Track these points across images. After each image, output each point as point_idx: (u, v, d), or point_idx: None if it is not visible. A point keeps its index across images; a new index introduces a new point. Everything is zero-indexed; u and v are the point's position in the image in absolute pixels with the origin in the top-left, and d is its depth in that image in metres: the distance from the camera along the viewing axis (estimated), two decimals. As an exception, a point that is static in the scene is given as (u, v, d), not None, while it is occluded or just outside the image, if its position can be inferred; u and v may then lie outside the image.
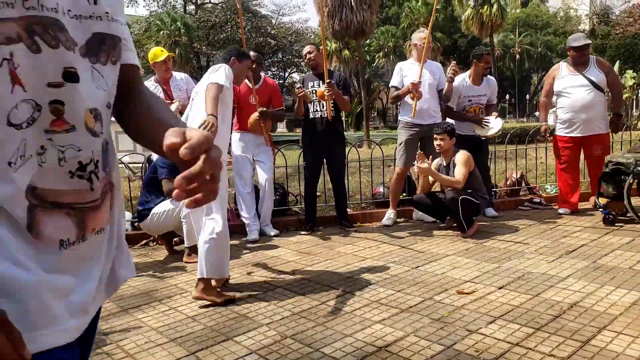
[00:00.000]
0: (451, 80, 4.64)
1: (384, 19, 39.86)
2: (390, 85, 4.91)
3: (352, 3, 18.52)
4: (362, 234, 4.56)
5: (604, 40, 28.62)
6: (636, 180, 4.56)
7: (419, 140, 4.81)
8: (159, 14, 30.86)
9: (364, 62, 21.05)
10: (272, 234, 4.58)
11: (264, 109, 4.40)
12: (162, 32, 26.16)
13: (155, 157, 4.23)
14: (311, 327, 2.53)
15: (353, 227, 4.77)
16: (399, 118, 4.97)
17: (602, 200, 4.57)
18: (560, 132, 4.89)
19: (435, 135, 4.44)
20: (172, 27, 26.26)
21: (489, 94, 4.99)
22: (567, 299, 2.76)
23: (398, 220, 5.02)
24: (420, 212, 4.94)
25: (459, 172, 4.31)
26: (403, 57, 29.67)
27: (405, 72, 4.77)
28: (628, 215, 4.45)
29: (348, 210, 5.03)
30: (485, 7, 26.19)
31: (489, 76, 5.04)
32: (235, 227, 4.71)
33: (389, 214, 4.90)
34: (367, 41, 25.98)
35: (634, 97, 23.32)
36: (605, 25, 31.26)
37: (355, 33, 18.48)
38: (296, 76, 33.19)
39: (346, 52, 27.62)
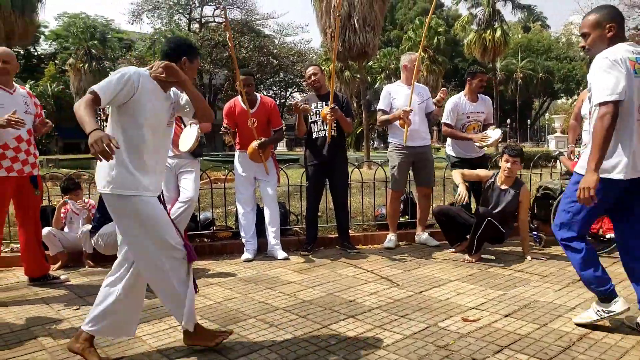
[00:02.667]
0: (439, 105, 4.65)
1: (385, 41, 40.38)
2: (377, 108, 4.87)
3: (356, 25, 18.73)
4: (365, 256, 4.50)
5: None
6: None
7: (410, 164, 4.79)
8: (163, 31, 31.22)
9: (365, 84, 21.18)
10: (281, 257, 4.42)
11: (262, 139, 4.34)
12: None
13: None
14: (313, 351, 2.46)
15: (355, 249, 4.71)
16: (389, 140, 4.92)
17: (535, 223, 4.87)
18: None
19: (507, 158, 4.24)
20: (176, 46, 26.49)
21: (486, 111, 4.97)
22: (576, 329, 2.70)
23: (400, 243, 4.96)
24: (424, 236, 4.89)
25: (525, 216, 4.29)
26: (405, 79, 29.78)
27: (394, 95, 4.76)
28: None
29: (349, 231, 4.97)
30: (489, 31, 26.48)
31: (483, 96, 5.03)
32: (233, 247, 4.66)
33: (390, 237, 4.85)
34: (369, 63, 26.20)
35: None
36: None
37: (358, 55, 18.64)
38: (297, 96, 33.38)
39: (347, 73, 27.81)
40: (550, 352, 2.41)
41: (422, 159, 4.77)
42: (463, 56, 37.89)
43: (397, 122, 4.66)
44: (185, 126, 4.31)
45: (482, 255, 4.28)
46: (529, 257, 4.27)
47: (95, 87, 2.21)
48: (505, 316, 2.92)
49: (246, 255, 4.39)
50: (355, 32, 18.58)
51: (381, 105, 4.82)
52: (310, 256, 4.52)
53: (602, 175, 2.43)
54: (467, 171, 4.50)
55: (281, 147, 28.51)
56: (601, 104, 2.42)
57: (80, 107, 2.09)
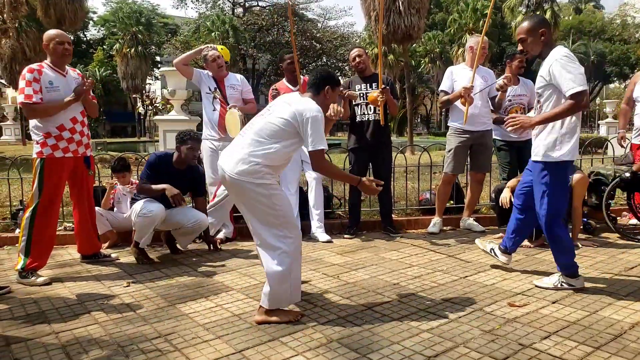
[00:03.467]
0: (503, 89, 4.51)
1: (430, 24, 39.37)
2: (439, 89, 4.82)
3: (401, 8, 18.38)
4: (408, 241, 4.49)
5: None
6: (624, 192, 4.72)
7: (469, 148, 4.70)
8: (208, 16, 31.66)
9: (409, 68, 20.82)
10: (324, 239, 4.49)
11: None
12: (212, 33, 26.79)
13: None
14: (357, 332, 2.50)
15: (398, 233, 4.70)
16: (449, 124, 4.87)
17: (585, 209, 4.62)
18: (637, 140, 4.72)
19: None
20: (221, 29, 26.84)
21: (529, 94, 4.80)
22: (628, 318, 2.62)
23: (444, 228, 4.91)
24: (469, 221, 4.82)
25: (578, 203, 4.15)
26: (449, 63, 29.15)
27: (456, 77, 4.67)
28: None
29: (393, 215, 4.96)
30: (538, 12, 25.37)
31: (525, 79, 4.86)
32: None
33: (435, 221, 4.80)
34: (413, 46, 25.71)
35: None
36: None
37: (403, 38, 18.33)
38: (340, 80, 33.20)
39: (391, 56, 27.39)
40: (601, 340, 2.35)
41: (480, 144, 4.66)
42: (511, 39, 36.50)
43: (458, 103, 4.57)
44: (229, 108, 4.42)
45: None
46: (579, 244, 4.13)
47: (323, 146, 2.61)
48: (553, 302, 2.86)
49: None
50: (400, 14, 18.23)
51: (443, 86, 4.75)
52: (353, 239, 4.55)
53: (568, 159, 2.99)
54: (515, 180, 4.40)
55: (322, 132, 28.47)
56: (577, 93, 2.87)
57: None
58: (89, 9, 30.67)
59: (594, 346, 2.29)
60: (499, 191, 4.48)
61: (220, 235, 4.49)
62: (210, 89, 4.52)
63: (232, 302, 2.98)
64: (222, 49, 4.75)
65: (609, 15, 48.70)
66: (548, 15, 25.35)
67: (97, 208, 4.34)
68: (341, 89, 4.59)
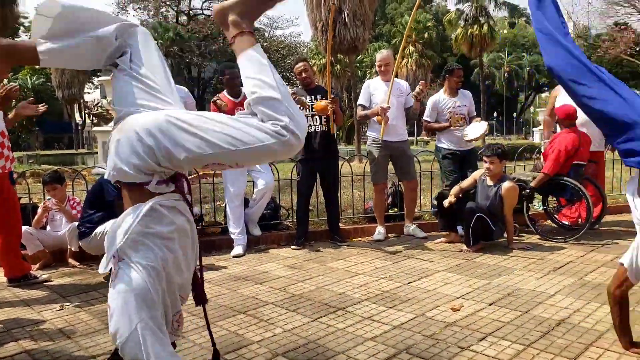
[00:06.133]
0: (418, 99, 4.74)
1: (377, 35, 40.39)
2: (358, 102, 4.98)
3: (346, 19, 18.72)
4: (354, 249, 4.57)
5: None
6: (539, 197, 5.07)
7: (389, 157, 4.88)
8: (151, 23, 30.91)
9: (355, 78, 21.21)
10: (257, 233, 4.72)
11: None
12: (155, 42, 26.13)
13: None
14: (303, 344, 2.52)
15: (345, 242, 4.78)
16: (368, 134, 5.05)
17: None
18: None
19: (485, 158, 4.42)
20: (165, 37, 26.28)
21: (468, 104, 5.08)
22: (556, 315, 2.79)
23: (389, 235, 5.04)
24: (412, 227, 4.97)
25: (509, 211, 4.37)
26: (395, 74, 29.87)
27: (373, 90, 4.87)
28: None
29: (340, 224, 5.04)
30: (475, 26, 26.65)
31: (463, 90, 5.16)
32: (222, 242, 4.69)
33: (379, 229, 4.92)
34: (359, 57, 26.30)
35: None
36: (587, 48, 31.90)
37: (348, 49, 18.66)
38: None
39: (338, 66, 27.84)
40: (531, 338, 2.50)
41: (399, 154, 4.86)
42: (452, 51, 38.06)
43: (375, 118, 4.75)
44: None
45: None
46: (513, 247, 4.36)
47: None
48: (490, 304, 3.01)
49: (236, 250, 4.44)
50: (346, 25, 18.57)
51: (361, 100, 4.92)
52: (300, 250, 4.58)
53: None
54: (464, 182, 4.61)
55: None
56: None
57: None
58: (20, 14, 29.06)
59: (525, 344, 2.43)
60: (440, 197, 4.67)
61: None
62: None
63: (177, 319, 2.92)
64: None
65: (540, 30, 51.71)
66: (485, 29, 26.71)
67: (27, 227, 4.08)
68: (291, 93, 4.65)
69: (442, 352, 2.38)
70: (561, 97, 4.99)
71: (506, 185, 4.28)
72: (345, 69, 26.65)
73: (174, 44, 26.60)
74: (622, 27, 28.73)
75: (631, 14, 27.21)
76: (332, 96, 4.37)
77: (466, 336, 2.55)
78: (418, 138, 32.60)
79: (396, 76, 4.82)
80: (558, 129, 5.07)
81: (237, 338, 2.63)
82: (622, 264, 2.18)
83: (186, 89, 4.79)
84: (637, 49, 25.46)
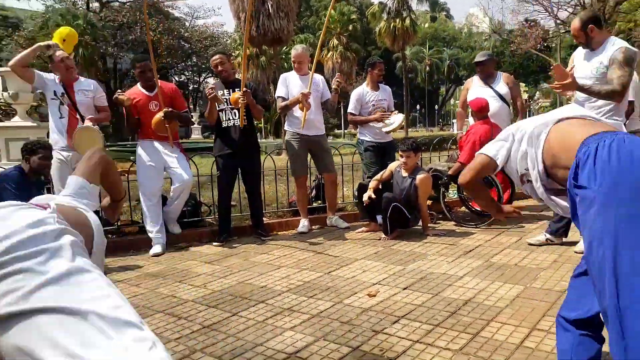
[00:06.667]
0: (336, 92, 4.86)
1: (302, 27, 40.45)
2: (276, 95, 5.00)
3: (270, 10, 18.57)
4: (278, 242, 4.60)
5: (500, 56, 31.32)
6: (455, 185, 5.37)
7: (307, 151, 4.96)
8: (58, 9, 28.77)
9: (281, 70, 21.17)
10: (177, 231, 4.64)
11: (169, 109, 4.32)
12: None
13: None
14: (222, 339, 2.52)
15: (269, 236, 4.79)
16: (285, 128, 5.08)
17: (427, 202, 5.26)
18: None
19: (400, 153, 4.59)
20: (74, 25, 24.59)
21: (388, 99, 5.28)
22: (463, 295, 2.99)
23: (313, 227, 5.12)
24: (335, 218, 5.09)
25: (423, 200, 4.56)
26: (320, 66, 30.22)
27: (289, 83, 4.90)
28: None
29: (264, 219, 5.05)
30: (398, 20, 27.46)
31: (383, 85, 5.36)
32: (141, 242, 4.55)
33: (303, 222, 4.99)
34: (285, 49, 26.26)
35: (528, 108, 25.68)
36: (502, 43, 34.14)
37: (273, 40, 18.56)
38: (211, 81, 32.51)
39: (263, 58, 27.59)
40: (440, 318, 2.67)
41: (318, 148, 4.95)
42: (376, 44, 39.03)
43: (296, 110, 4.79)
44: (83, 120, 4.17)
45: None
46: (429, 234, 4.61)
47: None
48: (404, 289, 3.16)
49: (155, 249, 4.32)
50: (270, 17, 18.43)
51: (279, 92, 4.93)
52: (222, 246, 4.54)
53: None
54: (382, 174, 4.78)
55: (196, 135, 27.63)
56: None
57: None
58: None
59: (434, 324, 2.59)
60: (361, 189, 4.82)
61: None
62: (56, 95, 4.18)
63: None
64: (67, 34, 4.41)
65: (459, 25, 54.46)
66: (407, 23, 27.60)
67: None
68: (208, 87, 4.56)
69: (357, 336, 2.48)
70: (473, 90, 5.30)
71: (420, 176, 4.50)
72: (270, 61, 26.47)
73: (85, 33, 24.95)
74: (532, 23, 30.97)
75: (539, 12, 29.33)
76: (245, 89, 4.34)
77: (380, 320, 2.67)
78: (346, 131, 33.21)
79: (321, 68, 4.90)
80: (471, 120, 5.38)
81: (153, 338, 2.57)
82: (482, 154, 2.00)
83: (94, 82, 4.55)
84: (545, 44, 27.52)
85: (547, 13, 28.87)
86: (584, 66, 3.58)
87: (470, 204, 5.43)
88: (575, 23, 3.58)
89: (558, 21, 23.31)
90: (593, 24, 3.47)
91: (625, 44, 3.41)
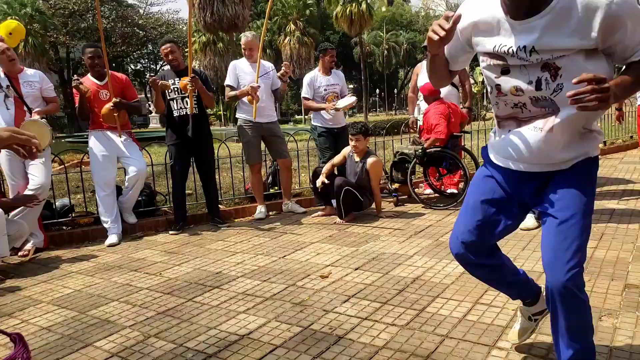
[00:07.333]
0: (284, 80, 4.90)
1: (259, 13, 39.88)
2: (225, 84, 4.98)
3: (224, -4, 18.24)
4: (235, 230, 4.64)
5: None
6: (421, 167, 5.51)
7: (260, 137, 4.99)
8: (0, -1, 27.34)
9: (237, 57, 20.94)
10: (133, 221, 4.63)
11: (119, 99, 4.28)
12: (9, 17, 23.26)
13: None
14: (176, 324, 2.57)
15: (225, 223, 4.83)
16: (237, 115, 5.09)
17: (394, 185, 5.44)
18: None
19: (350, 137, 4.67)
20: (22, 13, 23.46)
21: (340, 83, 5.36)
22: (411, 274, 3.14)
23: (271, 213, 5.18)
24: (290, 204, 5.17)
25: (375, 183, 4.67)
26: (279, 51, 30.01)
27: (239, 71, 4.90)
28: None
29: (221, 206, 5.07)
30: (354, 4, 27.50)
31: (336, 70, 5.43)
32: (96, 233, 4.50)
33: (260, 208, 5.04)
34: (241, 35, 25.97)
35: (484, 91, 26.39)
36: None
37: (229, 27, 18.30)
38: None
39: (220, 44, 27.12)
40: (388, 296, 2.80)
41: (271, 135, 4.99)
42: (334, 28, 38.98)
43: (245, 98, 4.80)
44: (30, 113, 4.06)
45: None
46: (382, 216, 4.76)
47: None
48: (355, 269, 3.29)
49: (110, 239, 4.28)
50: (224, 3, 18.14)
51: (229, 80, 4.92)
52: (178, 235, 4.54)
53: None
54: (335, 159, 4.85)
55: (154, 124, 26.98)
56: None
57: None
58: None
59: (382, 302, 2.72)
60: (316, 173, 4.90)
61: (29, 246, 4.09)
62: (1, 87, 4.04)
63: (41, 315, 2.79)
64: (14, 28, 4.25)
65: (416, 8, 54.98)
66: (363, 7, 27.69)
67: None
68: (151, 78, 4.50)
69: (308, 316, 2.58)
70: (423, 75, 5.44)
71: (371, 160, 4.63)
72: (227, 47, 26.06)
73: (34, 21, 23.81)
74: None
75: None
76: (192, 75, 4.32)
77: (331, 300, 2.78)
78: (306, 117, 33.20)
79: (278, 54, 4.92)
80: (423, 105, 5.50)
81: (108, 325, 2.59)
82: None
83: (41, 73, 4.41)
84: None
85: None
86: None
87: (436, 186, 5.56)
88: None
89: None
90: None
91: None
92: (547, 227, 1.65)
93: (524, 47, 1.52)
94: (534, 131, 1.63)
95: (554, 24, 1.47)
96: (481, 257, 1.84)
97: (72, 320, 2.69)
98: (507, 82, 1.62)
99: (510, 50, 1.56)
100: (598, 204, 4.73)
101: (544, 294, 1.75)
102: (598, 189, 5.45)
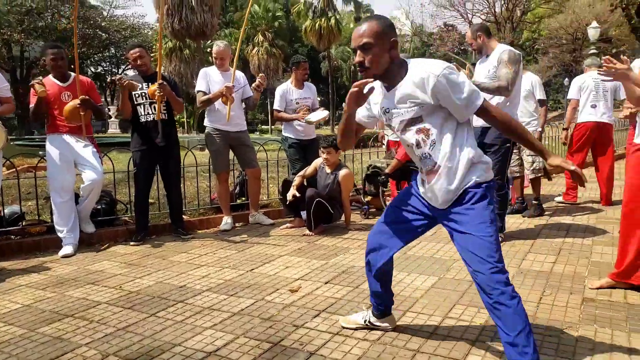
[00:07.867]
0: (258, 90, 4.84)
1: (228, 22, 39.66)
2: (196, 89, 4.86)
3: (193, 3, 18.08)
4: (199, 241, 4.48)
5: (421, 57, 32.89)
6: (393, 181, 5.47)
7: (229, 147, 4.89)
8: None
9: (204, 64, 20.69)
10: (91, 230, 4.42)
11: (86, 96, 4.08)
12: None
13: None
14: (137, 341, 2.42)
15: (189, 235, 4.66)
16: (206, 123, 4.96)
17: (367, 198, 5.49)
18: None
19: (321, 149, 4.63)
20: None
21: (312, 97, 5.33)
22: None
23: (237, 224, 5.05)
24: (258, 215, 5.05)
25: (346, 195, 4.66)
26: (246, 62, 29.87)
27: (210, 78, 4.81)
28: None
29: (185, 217, 4.90)
30: (323, 19, 27.78)
31: (308, 83, 5.41)
32: (49, 242, 4.26)
33: (225, 219, 4.91)
34: (209, 42, 25.67)
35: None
36: (422, 45, 35.76)
37: (197, 34, 18.10)
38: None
39: (187, 51, 26.75)
40: (359, 310, 2.73)
41: (240, 144, 4.90)
42: (302, 41, 39.19)
43: (218, 103, 4.69)
44: None
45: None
46: (351, 228, 4.71)
47: None
48: (326, 283, 3.21)
49: (65, 250, 4.05)
50: (193, 10, 17.94)
51: (200, 86, 4.80)
52: (140, 246, 4.35)
53: None
54: (307, 170, 4.80)
55: (113, 129, 26.17)
56: None
57: None
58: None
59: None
60: (286, 184, 4.82)
61: None
62: None
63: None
64: None
65: (382, 26, 56.01)
66: (332, 22, 28.01)
67: None
68: (117, 77, 4.33)
69: (278, 332, 2.48)
70: None
71: (342, 172, 4.59)
72: (194, 54, 25.73)
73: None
74: (450, 28, 32.78)
75: (456, 17, 31.19)
76: (160, 81, 4.19)
77: (302, 315, 2.70)
78: (272, 127, 33.07)
79: (246, 64, 4.83)
80: None
81: (61, 343, 2.41)
82: None
83: None
84: (462, 47, 29.24)
85: (463, 19, 30.75)
86: (480, 70, 4.07)
87: None
88: (468, 32, 4.21)
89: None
90: (482, 33, 4.02)
91: (509, 47, 3.91)
92: None
93: None
94: None
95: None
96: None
97: (20, 339, 2.48)
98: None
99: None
100: (556, 220, 4.87)
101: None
102: (554, 206, 5.61)
